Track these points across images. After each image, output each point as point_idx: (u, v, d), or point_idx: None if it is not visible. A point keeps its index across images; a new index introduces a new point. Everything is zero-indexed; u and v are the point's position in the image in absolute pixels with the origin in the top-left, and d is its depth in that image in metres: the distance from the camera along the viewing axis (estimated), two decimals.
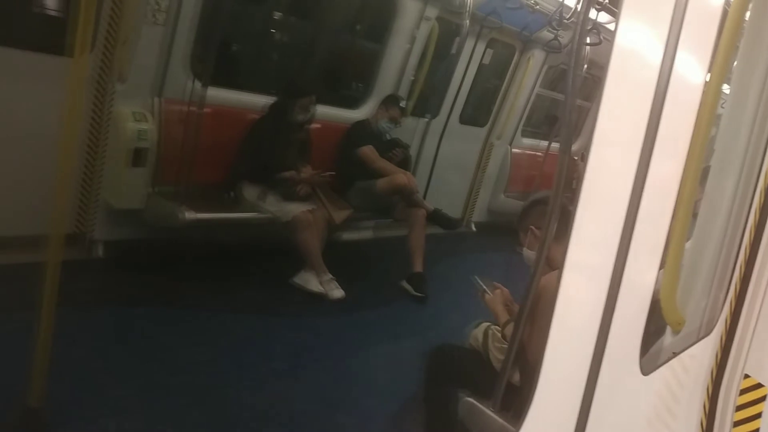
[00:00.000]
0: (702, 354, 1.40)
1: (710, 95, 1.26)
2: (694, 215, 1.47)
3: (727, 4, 1.25)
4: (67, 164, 2.41)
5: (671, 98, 1.10)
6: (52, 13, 3.76)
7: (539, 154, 7.57)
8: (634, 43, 1.14)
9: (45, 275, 2.15)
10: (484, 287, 2.51)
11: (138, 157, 3.81)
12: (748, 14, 1.44)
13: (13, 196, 3.42)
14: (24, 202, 3.32)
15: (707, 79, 1.26)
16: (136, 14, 3.64)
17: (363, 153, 4.91)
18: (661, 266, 1.24)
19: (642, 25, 1.15)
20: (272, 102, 4.43)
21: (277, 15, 5.30)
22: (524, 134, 7.67)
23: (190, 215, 3.80)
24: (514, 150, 7.44)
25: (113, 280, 3.79)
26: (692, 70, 1.19)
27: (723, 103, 1.55)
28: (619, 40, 1.10)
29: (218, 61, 3.95)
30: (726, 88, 1.51)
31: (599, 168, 1.11)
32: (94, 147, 3.83)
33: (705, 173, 1.51)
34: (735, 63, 1.52)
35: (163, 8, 3.75)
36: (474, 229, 7.36)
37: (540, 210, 2.33)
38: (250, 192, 4.35)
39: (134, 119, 3.80)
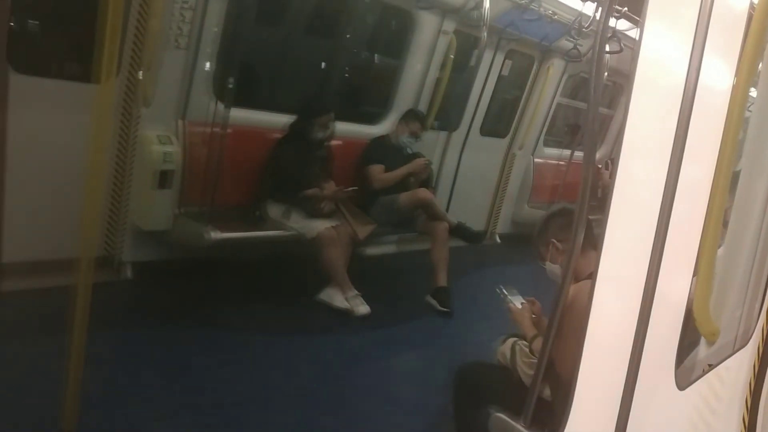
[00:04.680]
0: (738, 366, 1.37)
1: (738, 99, 1.24)
2: (725, 223, 1.44)
3: (752, 7, 1.23)
4: (96, 188, 2.45)
5: (699, 104, 1.08)
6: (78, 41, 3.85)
7: (562, 163, 7.51)
8: (659, 50, 1.12)
9: (76, 298, 2.18)
10: (510, 298, 2.48)
11: (164, 179, 3.87)
12: None
13: (44, 221, 3.49)
14: (54, 226, 3.38)
15: (734, 83, 1.24)
16: (159, 39, 3.71)
17: (369, 171, 4.93)
18: (694, 276, 1.21)
19: (666, 32, 1.13)
20: (292, 121, 4.48)
21: (296, 35, 5.36)
22: (546, 144, 7.63)
23: (216, 235, 3.84)
24: (536, 160, 7.40)
25: (142, 301, 3.84)
26: (719, 75, 1.17)
27: (750, 107, 1.52)
28: (644, 48, 1.09)
29: (240, 82, 4.01)
30: (753, 92, 1.48)
31: (629, 177, 1.09)
32: (121, 170, 3.90)
33: (735, 179, 1.48)
34: (761, 66, 1.49)
35: (185, 33, 3.82)
36: (498, 240, 7.31)
37: (559, 222, 2.33)
38: (274, 210, 4.38)
39: (159, 142, 3.86)
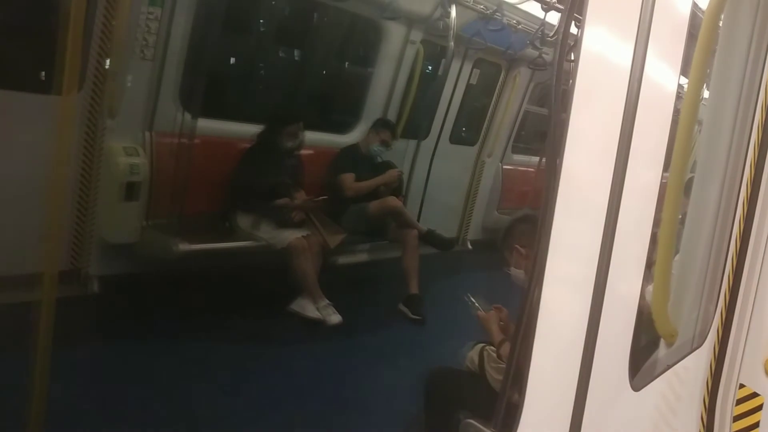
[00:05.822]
0: (696, 365, 1.40)
1: (689, 105, 1.27)
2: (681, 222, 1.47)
3: (695, 6, 1.25)
4: (59, 201, 2.41)
5: (643, 106, 1.08)
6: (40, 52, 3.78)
7: (530, 169, 7.62)
8: (601, 52, 1.13)
9: (40, 314, 2.14)
10: (478, 305, 2.51)
11: (131, 191, 3.82)
12: (721, 22, 1.46)
13: (5, 236, 3.41)
14: (16, 241, 3.30)
15: (685, 89, 1.26)
16: (125, 50, 3.67)
17: (341, 180, 4.94)
18: (646, 277, 1.22)
19: (608, 33, 1.13)
20: (260, 131, 4.46)
21: (263, 45, 5.35)
22: (515, 150, 7.73)
23: (184, 247, 3.80)
24: (505, 167, 7.49)
25: (110, 316, 3.77)
26: (663, 78, 1.18)
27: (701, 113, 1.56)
28: (585, 50, 1.08)
29: (207, 92, 3.98)
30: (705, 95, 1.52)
31: (574, 179, 1.08)
32: (87, 183, 3.83)
33: (689, 184, 1.52)
34: (712, 71, 1.54)
35: (150, 44, 3.79)
36: (470, 247, 7.37)
37: (521, 228, 2.38)
38: (244, 221, 4.35)
39: (126, 154, 3.81)
